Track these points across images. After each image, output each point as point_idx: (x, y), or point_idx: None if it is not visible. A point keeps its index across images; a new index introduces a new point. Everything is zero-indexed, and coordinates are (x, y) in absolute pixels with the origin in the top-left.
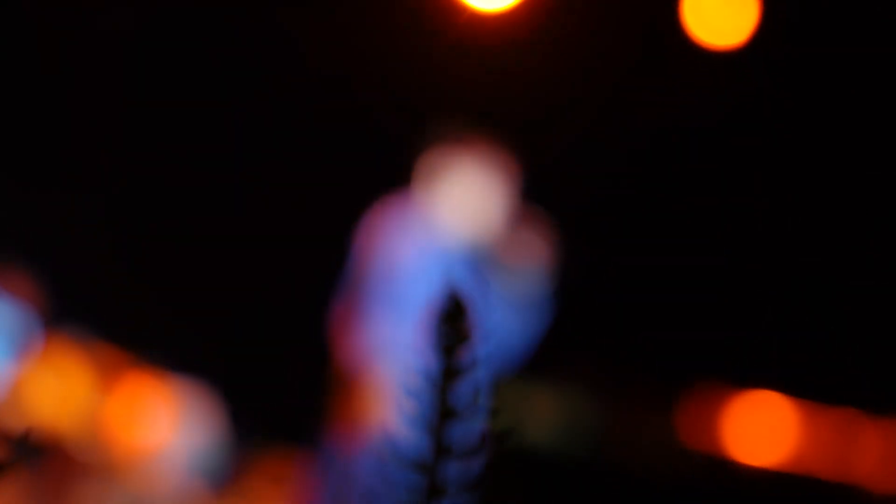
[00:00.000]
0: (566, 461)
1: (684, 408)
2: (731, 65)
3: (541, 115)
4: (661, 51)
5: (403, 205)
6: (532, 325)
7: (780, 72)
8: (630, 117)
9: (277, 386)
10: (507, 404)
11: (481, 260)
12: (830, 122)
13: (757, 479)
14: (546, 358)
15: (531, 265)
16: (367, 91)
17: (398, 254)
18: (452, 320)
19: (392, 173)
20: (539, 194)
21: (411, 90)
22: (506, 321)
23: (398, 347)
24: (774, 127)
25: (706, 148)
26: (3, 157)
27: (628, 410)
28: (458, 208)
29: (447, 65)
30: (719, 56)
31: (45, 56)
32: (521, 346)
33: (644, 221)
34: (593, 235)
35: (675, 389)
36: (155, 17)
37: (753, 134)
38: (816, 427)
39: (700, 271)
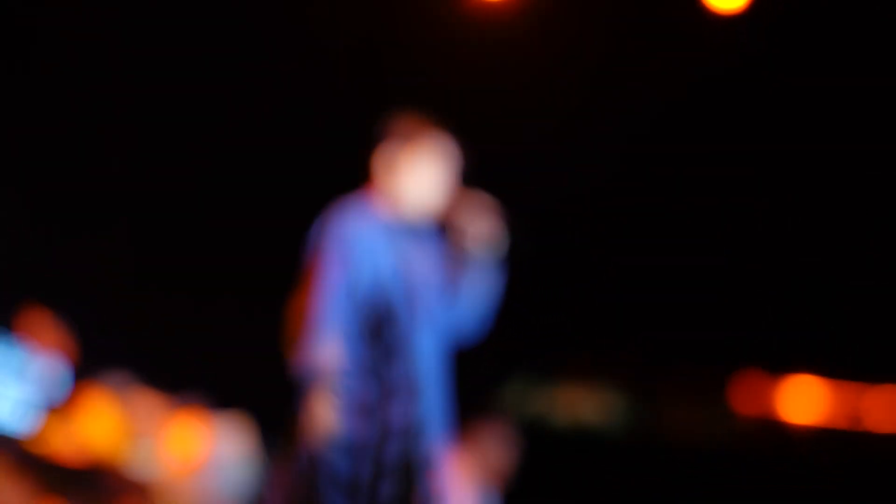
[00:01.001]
0: (611, 440)
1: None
2: (735, 28)
3: (546, 89)
4: (670, 16)
5: (362, 198)
6: (489, 291)
7: (781, 35)
8: (636, 85)
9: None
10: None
11: (435, 235)
12: (831, 91)
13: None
14: (593, 355)
15: (487, 237)
16: (336, 77)
17: (357, 246)
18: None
19: (353, 165)
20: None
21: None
22: (464, 291)
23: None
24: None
25: (710, 115)
26: (34, 212)
27: (660, 397)
28: (416, 192)
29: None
30: (725, 19)
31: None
32: (480, 312)
33: (655, 213)
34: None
35: (695, 378)
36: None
37: (756, 99)
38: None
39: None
